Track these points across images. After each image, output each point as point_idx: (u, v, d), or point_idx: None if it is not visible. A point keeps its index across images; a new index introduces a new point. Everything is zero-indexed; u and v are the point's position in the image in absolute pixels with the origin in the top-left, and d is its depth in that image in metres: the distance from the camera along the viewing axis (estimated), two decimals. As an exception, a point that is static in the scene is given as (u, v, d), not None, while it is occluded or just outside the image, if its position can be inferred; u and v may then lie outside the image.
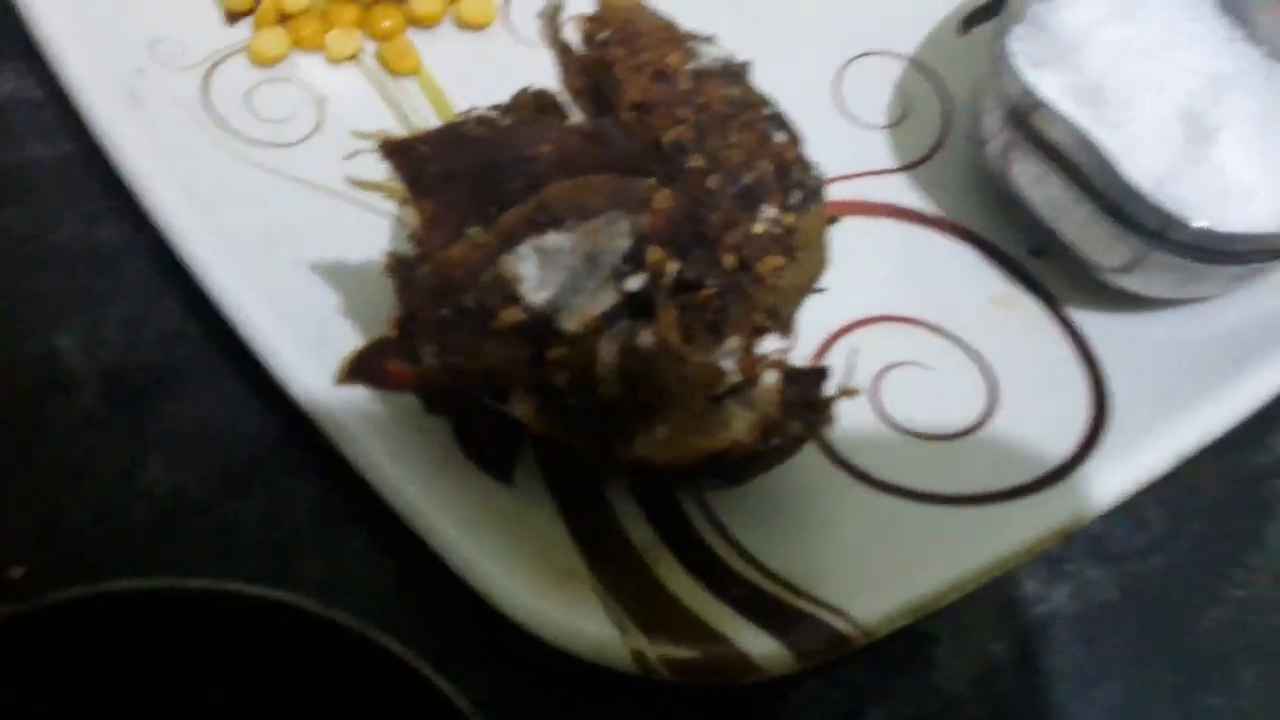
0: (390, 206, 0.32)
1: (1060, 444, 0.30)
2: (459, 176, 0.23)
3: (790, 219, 0.25)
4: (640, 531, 0.27)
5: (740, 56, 0.28)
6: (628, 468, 0.27)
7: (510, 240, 0.23)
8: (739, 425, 0.25)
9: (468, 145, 0.24)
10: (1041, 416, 0.31)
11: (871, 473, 0.30)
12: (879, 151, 0.36)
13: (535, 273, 0.23)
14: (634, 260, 0.23)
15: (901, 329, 0.33)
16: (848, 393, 0.27)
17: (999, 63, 0.33)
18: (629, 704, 0.27)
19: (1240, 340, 0.33)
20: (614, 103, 0.25)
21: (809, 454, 0.30)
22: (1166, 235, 0.31)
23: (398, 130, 0.34)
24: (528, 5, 0.37)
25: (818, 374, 0.28)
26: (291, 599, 0.19)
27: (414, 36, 0.35)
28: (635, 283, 0.23)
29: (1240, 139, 0.32)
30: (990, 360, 0.32)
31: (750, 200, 0.25)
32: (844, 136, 0.36)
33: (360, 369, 0.28)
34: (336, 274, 0.30)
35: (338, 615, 0.18)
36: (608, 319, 0.24)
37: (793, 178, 0.26)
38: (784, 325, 0.27)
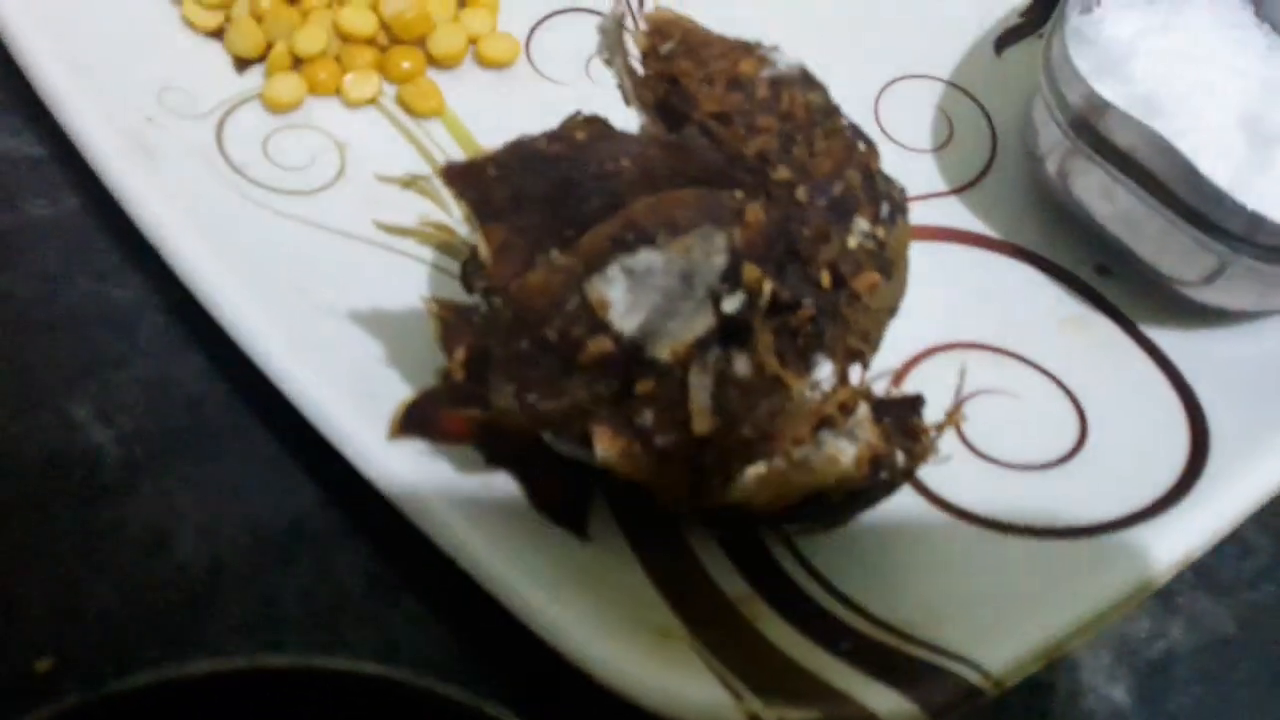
0: (424, 252, 0.30)
1: (1164, 467, 0.28)
2: (531, 198, 0.21)
3: (882, 232, 0.23)
4: (732, 584, 0.25)
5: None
6: (716, 513, 0.24)
7: (595, 262, 0.20)
8: (845, 459, 0.23)
9: (539, 164, 0.21)
10: (1137, 440, 0.29)
11: (970, 508, 0.27)
12: (928, 175, 0.35)
13: (625, 297, 0.21)
14: (731, 279, 0.21)
15: (974, 355, 0.31)
16: (952, 419, 0.25)
17: (1058, 71, 0.31)
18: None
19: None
20: (688, 115, 0.23)
21: (901, 494, 0.27)
22: (1253, 239, 0.29)
23: (424, 172, 0.32)
24: (551, 43, 0.35)
25: (912, 402, 0.26)
26: (385, 672, 0.16)
27: (435, 77, 0.34)
28: (732, 303, 0.21)
29: (1304, 143, 0.31)
30: (1071, 384, 0.31)
31: (842, 213, 0.23)
32: (892, 161, 0.34)
33: (413, 421, 0.25)
34: (375, 322, 0.28)
35: (447, 689, 0.16)
36: (700, 346, 0.22)
37: (879, 189, 0.24)
38: (872, 350, 0.25)
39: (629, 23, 0.24)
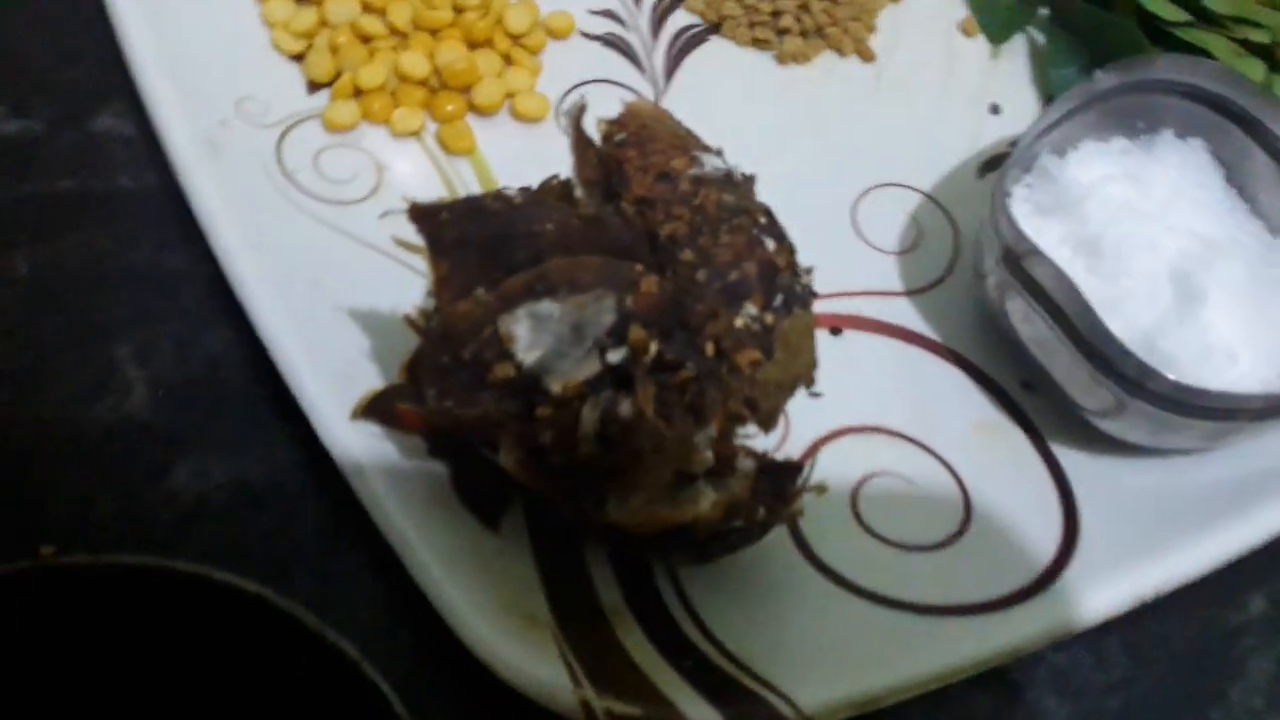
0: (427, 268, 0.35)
1: (1023, 571, 0.32)
2: (473, 243, 0.26)
3: (770, 319, 0.28)
4: (609, 592, 0.29)
5: (756, 171, 0.31)
6: (603, 530, 0.29)
7: (509, 303, 0.25)
8: (705, 502, 0.27)
9: (483, 216, 0.26)
10: (1009, 542, 0.32)
11: (839, 570, 0.31)
12: (889, 275, 0.38)
13: (527, 335, 0.25)
14: (617, 335, 0.25)
15: (887, 441, 0.34)
16: (816, 489, 0.29)
17: (997, 206, 0.35)
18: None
19: (1215, 495, 0.34)
20: (620, 196, 0.28)
21: (783, 547, 0.31)
22: (1144, 385, 0.32)
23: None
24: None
25: (793, 468, 0.30)
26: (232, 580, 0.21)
27: (473, 121, 0.39)
28: (616, 355, 0.26)
29: (1228, 303, 0.34)
30: (968, 482, 0.34)
31: (733, 296, 0.27)
32: (858, 257, 0.38)
33: (375, 408, 0.30)
34: (369, 321, 0.33)
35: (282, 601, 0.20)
36: (591, 386, 0.26)
37: (779, 282, 0.28)
38: (765, 419, 0.29)
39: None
